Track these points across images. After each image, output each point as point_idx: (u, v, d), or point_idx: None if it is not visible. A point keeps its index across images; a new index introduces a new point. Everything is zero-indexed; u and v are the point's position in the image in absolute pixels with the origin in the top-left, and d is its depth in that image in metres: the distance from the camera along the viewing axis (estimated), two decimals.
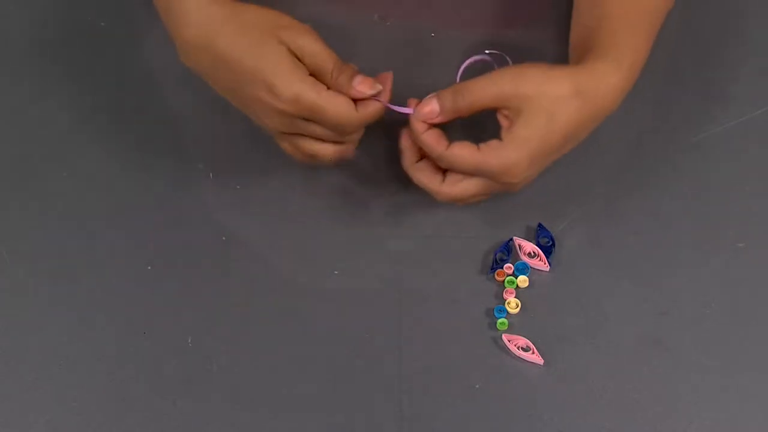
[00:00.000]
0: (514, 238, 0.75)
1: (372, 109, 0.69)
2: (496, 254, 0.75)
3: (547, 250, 0.74)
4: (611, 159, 0.79)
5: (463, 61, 0.75)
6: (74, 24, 0.87)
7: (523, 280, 0.74)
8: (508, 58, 0.73)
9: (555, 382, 0.70)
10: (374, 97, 0.68)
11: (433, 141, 0.68)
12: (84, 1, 0.88)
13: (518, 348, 0.71)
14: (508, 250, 0.75)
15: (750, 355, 0.71)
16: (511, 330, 0.72)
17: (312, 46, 0.67)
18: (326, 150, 0.70)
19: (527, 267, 0.74)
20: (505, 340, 0.71)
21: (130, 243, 0.76)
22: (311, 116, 0.67)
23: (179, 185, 0.79)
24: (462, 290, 0.74)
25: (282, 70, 0.66)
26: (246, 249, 0.76)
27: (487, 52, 0.72)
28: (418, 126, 0.69)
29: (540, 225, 0.76)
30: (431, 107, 0.69)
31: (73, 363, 0.72)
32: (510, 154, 0.66)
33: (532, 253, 0.74)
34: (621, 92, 0.68)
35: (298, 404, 0.70)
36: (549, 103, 0.66)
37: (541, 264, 0.74)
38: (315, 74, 0.67)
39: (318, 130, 0.68)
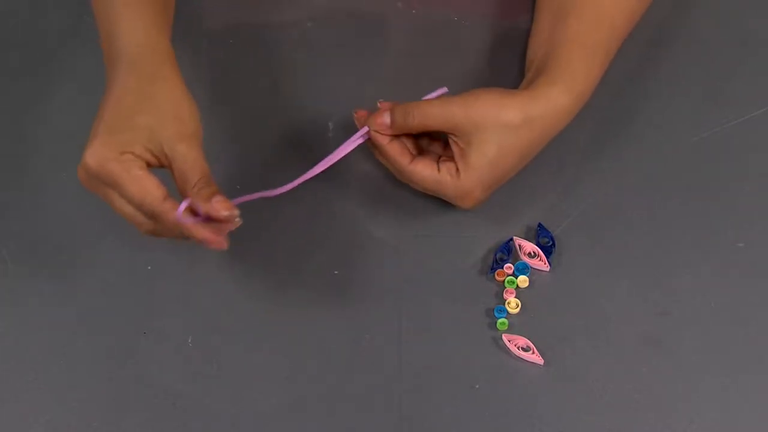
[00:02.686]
0: (514, 238, 0.75)
1: (195, 228, 0.64)
2: (496, 254, 0.75)
3: (547, 250, 0.74)
4: (611, 159, 0.79)
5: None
6: (74, 24, 0.87)
7: (523, 280, 0.74)
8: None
9: (555, 382, 0.70)
10: (227, 219, 0.64)
11: (396, 153, 0.71)
12: (84, 1, 0.88)
13: (518, 348, 0.71)
14: (508, 250, 0.75)
15: (750, 355, 0.71)
16: (511, 330, 0.72)
17: (191, 153, 0.66)
18: (135, 218, 0.66)
19: (527, 267, 0.74)
20: (505, 340, 0.71)
21: (130, 243, 0.76)
22: (111, 185, 0.65)
23: None
24: (462, 290, 0.74)
25: (102, 131, 0.65)
26: (246, 249, 0.76)
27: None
28: (379, 138, 0.71)
29: (540, 225, 0.76)
30: (382, 119, 0.71)
31: (73, 363, 0.72)
32: (464, 184, 0.70)
33: (532, 253, 0.74)
34: (568, 115, 0.71)
35: (298, 404, 0.70)
36: (498, 133, 0.68)
37: (541, 264, 0.74)
38: (180, 180, 0.65)
39: (115, 200, 0.66)
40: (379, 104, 0.72)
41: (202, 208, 0.63)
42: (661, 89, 0.82)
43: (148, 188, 0.64)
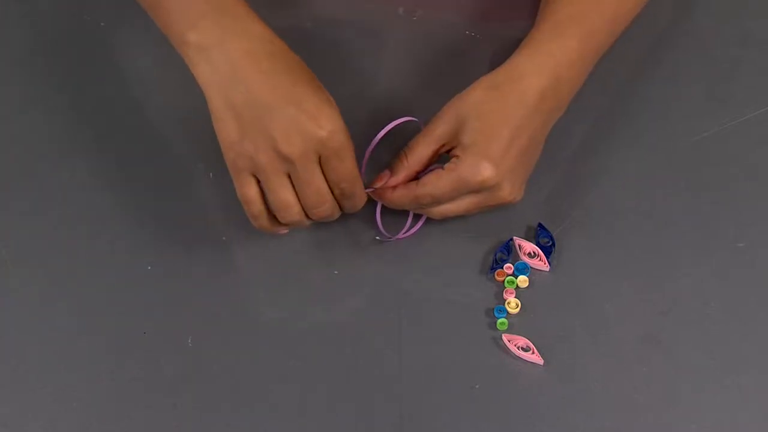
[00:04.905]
0: (514, 238, 0.75)
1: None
2: (496, 254, 0.75)
3: (547, 250, 0.74)
4: (611, 159, 0.79)
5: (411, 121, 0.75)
6: (74, 24, 0.87)
7: (523, 280, 0.74)
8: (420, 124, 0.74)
9: (555, 382, 0.70)
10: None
11: (405, 192, 0.72)
12: (84, 1, 0.88)
13: (518, 348, 0.71)
14: (508, 250, 0.75)
15: (750, 355, 0.71)
16: (511, 330, 0.72)
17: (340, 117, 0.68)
18: (321, 198, 0.68)
19: (527, 267, 0.74)
20: (505, 340, 0.71)
21: (130, 243, 0.76)
22: (332, 156, 0.66)
23: (179, 185, 0.79)
24: (462, 290, 0.74)
25: (330, 103, 0.67)
26: (246, 249, 0.76)
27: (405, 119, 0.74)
28: (383, 195, 0.73)
29: (540, 225, 0.76)
30: (384, 179, 0.73)
31: (73, 363, 0.72)
32: (467, 162, 0.69)
33: (532, 253, 0.74)
34: (539, 76, 0.70)
35: (298, 404, 0.70)
36: (473, 110, 0.70)
37: (541, 264, 0.74)
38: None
39: (317, 178, 0.67)
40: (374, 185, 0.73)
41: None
42: (661, 89, 0.82)
43: (356, 161, 0.68)
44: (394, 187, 0.72)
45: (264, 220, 0.70)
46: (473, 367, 0.71)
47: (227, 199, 0.77)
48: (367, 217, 0.76)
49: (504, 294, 0.73)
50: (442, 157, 0.72)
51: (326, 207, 0.69)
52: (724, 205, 0.77)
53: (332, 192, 0.69)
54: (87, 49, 0.85)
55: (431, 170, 0.72)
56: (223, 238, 0.76)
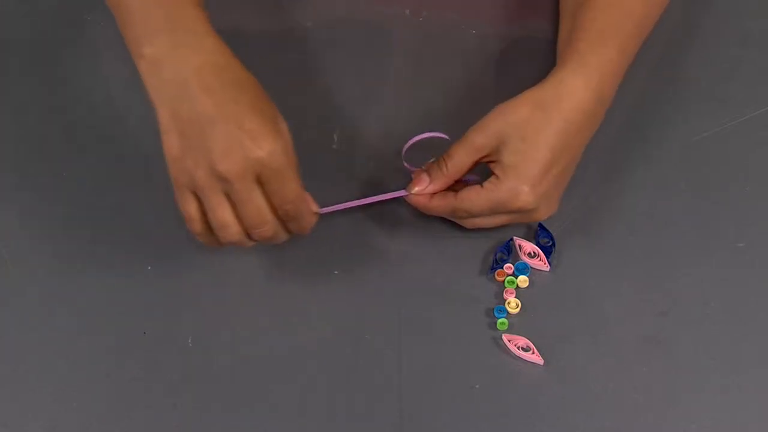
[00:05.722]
0: (514, 238, 0.75)
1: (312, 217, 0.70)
2: (496, 254, 0.75)
3: (547, 250, 0.74)
4: (611, 159, 0.79)
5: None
6: (73, 24, 0.87)
7: (523, 280, 0.74)
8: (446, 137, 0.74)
9: (555, 382, 0.70)
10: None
11: (442, 203, 0.72)
12: (84, 1, 0.88)
13: (518, 348, 0.71)
14: (508, 250, 0.75)
15: (750, 355, 0.71)
16: (511, 330, 0.72)
17: (289, 137, 0.67)
18: (261, 218, 0.66)
19: (527, 267, 0.74)
20: (505, 340, 0.71)
21: (130, 243, 0.76)
22: (272, 177, 0.64)
23: None
24: (462, 290, 0.74)
25: (274, 123, 0.65)
26: (246, 249, 0.76)
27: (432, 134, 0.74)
28: (420, 201, 0.72)
29: (540, 225, 0.76)
30: (423, 184, 0.72)
31: (73, 363, 0.72)
32: (506, 184, 0.69)
33: (532, 253, 0.74)
34: (586, 92, 0.70)
35: (298, 405, 0.70)
36: (517, 129, 0.69)
37: (541, 264, 0.74)
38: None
39: (257, 198, 0.65)
40: (413, 175, 0.73)
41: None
42: (662, 89, 0.82)
43: (301, 183, 0.66)
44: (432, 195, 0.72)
45: (206, 238, 0.68)
46: (473, 367, 0.71)
47: None
48: (368, 217, 0.76)
49: (504, 294, 0.73)
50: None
51: (267, 228, 0.67)
52: (724, 205, 0.77)
53: (278, 213, 0.67)
54: (87, 49, 0.85)
55: (468, 181, 0.72)
56: None
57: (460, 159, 0.70)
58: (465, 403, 0.70)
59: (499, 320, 0.72)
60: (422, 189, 0.72)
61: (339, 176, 0.78)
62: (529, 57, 0.82)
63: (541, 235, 0.75)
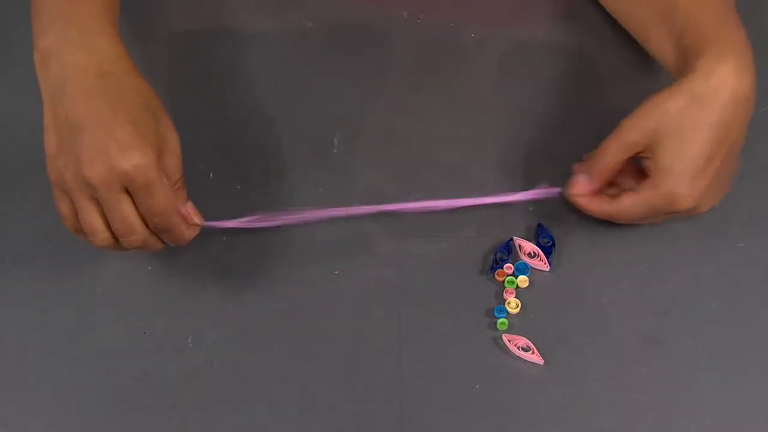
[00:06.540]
0: (514, 238, 0.75)
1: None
2: (496, 254, 0.75)
3: (547, 250, 0.74)
4: None
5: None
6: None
7: (523, 280, 0.74)
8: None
9: (555, 382, 0.70)
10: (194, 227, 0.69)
11: (599, 209, 0.72)
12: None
13: (518, 348, 0.71)
14: (508, 250, 0.75)
15: (750, 355, 0.71)
16: (511, 330, 0.72)
17: (177, 150, 0.67)
18: (130, 227, 0.65)
19: (527, 267, 0.74)
20: (505, 340, 0.71)
21: None
22: (139, 189, 0.63)
23: None
24: (462, 290, 0.74)
25: (147, 137, 0.64)
26: (245, 249, 0.76)
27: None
28: (581, 202, 0.72)
29: (540, 225, 0.76)
30: (582, 185, 0.72)
31: (73, 363, 0.72)
32: (665, 187, 0.67)
33: (532, 253, 0.74)
34: (740, 77, 0.67)
35: (298, 404, 0.70)
36: (673, 125, 0.66)
37: (541, 264, 0.74)
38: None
39: (125, 207, 0.64)
40: (575, 169, 0.72)
41: (182, 209, 0.68)
42: (661, 89, 0.82)
43: (172, 197, 0.65)
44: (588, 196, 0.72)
45: (82, 237, 0.67)
46: (473, 367, 0.71)
47: (227, 200, 0.77)
48: (368, 218, 0.76)
49: (504, 294, 0.73)
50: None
51: (136, 238, 0.66)
52: (724, 205, 0.76)
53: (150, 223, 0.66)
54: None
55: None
56: (224, 238, 0.76)
57: (614, 157, 0.69)
58: (465, 403, 0.70)
59: (499, 320, 0.72)
60: (580, 191, 0.72)
61: (339, 180, 0.78)
62: (528, 60, 0.82)
63: (541, 235, 0.75)
